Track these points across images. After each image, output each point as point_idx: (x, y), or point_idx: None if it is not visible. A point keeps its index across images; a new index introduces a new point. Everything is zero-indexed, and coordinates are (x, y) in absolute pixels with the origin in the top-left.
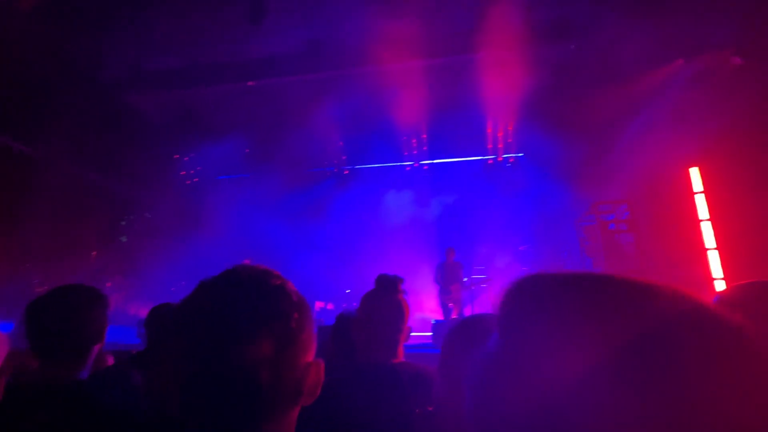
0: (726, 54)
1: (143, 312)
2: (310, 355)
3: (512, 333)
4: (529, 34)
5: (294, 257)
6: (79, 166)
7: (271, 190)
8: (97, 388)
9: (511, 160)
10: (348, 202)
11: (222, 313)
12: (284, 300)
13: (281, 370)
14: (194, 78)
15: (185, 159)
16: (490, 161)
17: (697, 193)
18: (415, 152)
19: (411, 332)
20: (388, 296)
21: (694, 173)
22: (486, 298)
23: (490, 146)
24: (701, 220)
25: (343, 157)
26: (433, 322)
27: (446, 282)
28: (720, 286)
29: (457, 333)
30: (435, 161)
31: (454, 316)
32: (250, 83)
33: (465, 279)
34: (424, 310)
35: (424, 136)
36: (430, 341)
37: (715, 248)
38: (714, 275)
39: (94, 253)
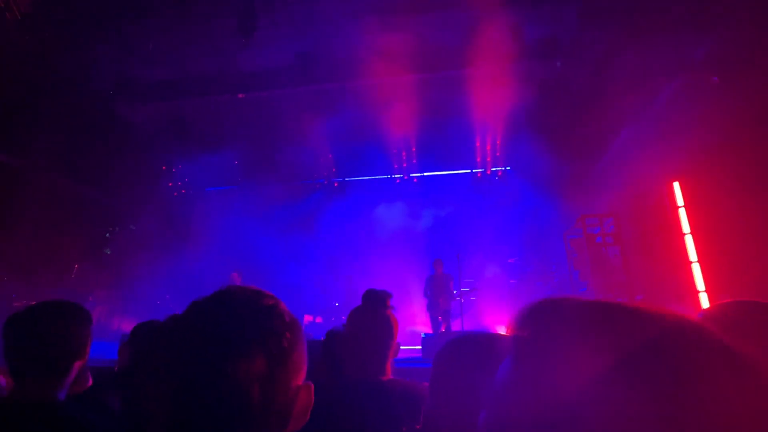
0: (705, 73)
1: (127, 327)
2: (301, 377)
3: (533, 356)
4: (517, 51)
5: (283, 270)
6: (62, 176)
7: (260, 202)
8: (75, 408)
9: (499, 173)
10: (338, 215)
11: (214, 331)
12: (276, 320)
13: (272, 389)
14: (184, 89)
15: (173, 170)
16: (478, 174)
17: (679, 207)
18: (405, 165)
19: (400, 348)
20: (375, 312)
21: (677, 188)
22: (476, 311)
23: (478, 159)
24: (684, 234)
25: (333, 170)
26: (422, 335)
27: (435, 294)
28: (703, 298)
29: (449, 352)
30: (425, 174)
31: (442, 329)
32: (240, 95)
33: (454, 291)
34: (415, 323)
35: (414, 149)
36: (420, 355)
37: (698, 261)
38: (697, 287)
39: (77, 265)
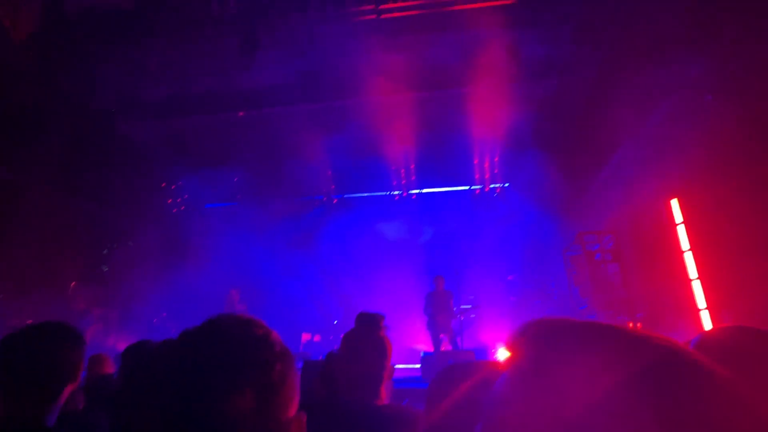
0: (700, 91)
1: (122, 345)
2: (293, 409)
3: (532, 375)
4: (515, 70)
5: (282, 287)
6: (60, 192)
7: (259, 219)
8: None
9: (498, 190)
10: (337, 231)
11: (202, 364)
12: (267, 351)
13: (262, 423)
14: (184, 107)
15: (172, 187)
16: (477, 191)
17: (678, 223)
18: (404, 181)
19: (395, 369)
20: (369, 334)
21: (675, 205)
22: (475, 328)
23: (477, 176)
24: (683, 251)
25: (333, 186)
26: (422, 354)
27: (435, 312)
28: (704, 316)
29: (444, 379)
30: (423, 190)
31: (447, 347)
32: (240, 113)
33: (455, 308)
34: (415, 341)
35: (413, 165)
36: (419, 374)
37: (698, 278)
38: (698, 305)
39: (73, 283)
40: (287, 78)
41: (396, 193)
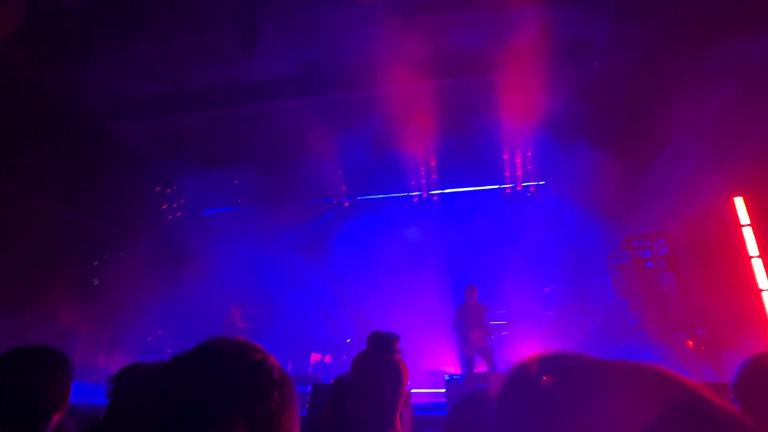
0: (766, 72)
1: (115, 366)
2: None
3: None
4: (549, 52)
5: (288, 302)
6: (47, 200)
7: (263, 226)
8: None
9: (531, 189)
10: (349, 239)
11: (191, 392)
12: (263, 377)
13: None
14: (180, 104)
15: (168, 191)
16: (507, 190)
17: (743, 225)
18: (423, 181)
19: (411, 396)
20: (382, 357)
21: (740, 203)
22: (507, 348)
23: (507, 173)
24: (751, 257)
25: (343, 188)
26: (446, 378)
27: (467, 327)
28: None
29: (466, 407)
30: (446, 191)
31: (483, 370)
32: (241, 109)
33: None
34: (439, 362)
35: (434, 163)
36: (444, 400)
37: None
38: None
39: (62, 298)
40: (292, 69)
41: (415, 194)
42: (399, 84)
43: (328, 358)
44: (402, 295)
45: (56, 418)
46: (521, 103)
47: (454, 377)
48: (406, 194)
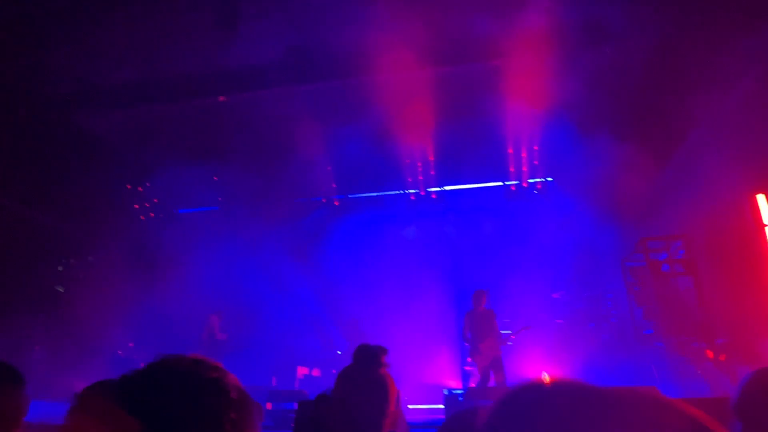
0: None
1: (81, 383)
2: None
3: None
4: (558, 37)
5: (272, 310)
6: (4, 198)
7: (246, 227)
8: None
9: (539, 186)
10: (340, 240)
11: (142, 416)
12: (219, 397)
13: None
14: (154, 93)
15: (140, 189)
16: (513, 187)
17: (767, 225)
18: (421, 178)
19: (400, 415)
20: (367, 372)
21: (762, 201)
22: (513, 360)
23: (512, 169)
24: None
25: (334, 185)
26: (445, 393)
27: (477, 337)
28: None
29: (452, 430)
30: (446, 188)
31: (491, 384)
32: (220, 98)
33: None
34: (438, 376)
35: (432, 158)
36: (443, 417)
37: None
38: None
39: (21, 307)
40: (277, 55)
41: (412, 192)
42: (395, 71)
43: (316, 372)
44: (398, 302)
45: None
46: (528, 92)
47: (454, 392)
48: (402, 192)
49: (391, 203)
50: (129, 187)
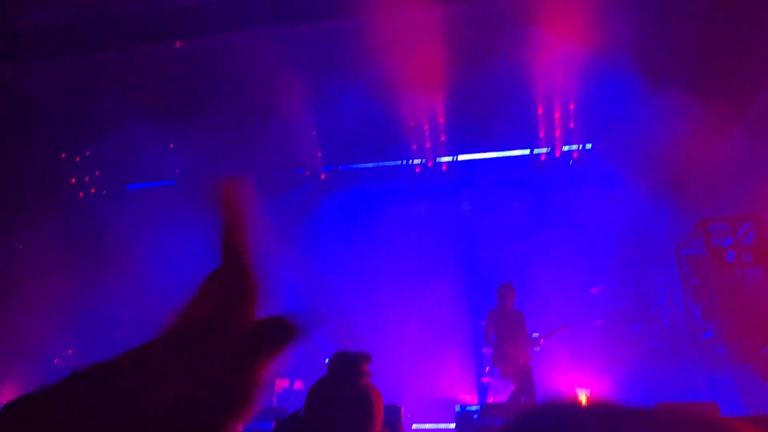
0: None
1: (7, 396)
2: None
3: None
4: None
5: None
6: None
7: (209, 206)
8: None
9: (574, 155)
10: (327, 222)
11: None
12: None
13: None
14: (93, 39)
15: (78, 159)
16: (542, 156)
17: None
18: (428, 145)
19: None
20: (345, 385)
21: None
22: (542, 368)
23: (542, 134)
24: None
25: (319, 154)
26: (457, 409)
27: (503, 338)
28: None
29: None
30: (458, 158)
31: (517, 398)
32: (177, 44)
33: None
34: (449, 389)
35: (442, 120)
36: None
37: None
38: None
39: None
40: None
41: (417, 162)
42: (396, 11)
43: (298, 385)
44: (399, 298)
45: None
46: (562, 35)
47: (468, 409)
48: (404, 162)
49: (390, 177)
50: (63, 156)
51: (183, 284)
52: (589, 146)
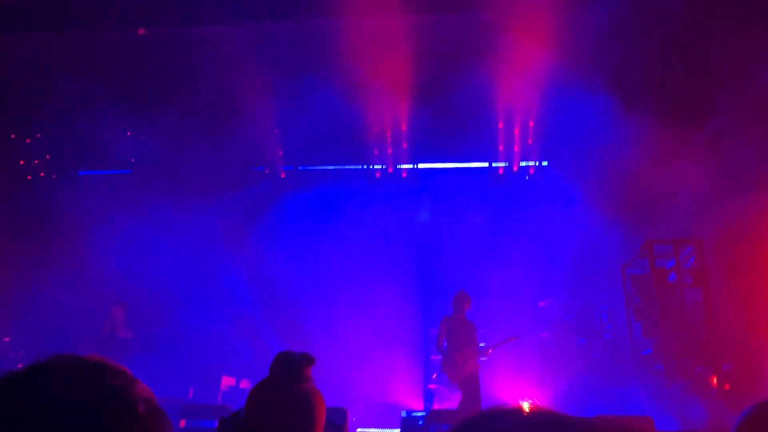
0: None
1: None
2: None
3: None
4: None
5: (193, 305)
6: None
7: (165, 199)
8: None
9: (531, 171)
10: (284, 222)
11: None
12: (121, 412)
13: None
14: (49, 20)
15: (28, 141)
16: (500, 170)
17: None
18: (390, 151)
19: None
20: (286, 388)
21: None
22: (488, 378)
23: (501, 148)
24: None
25: (280, 153)
26: (403, 415)
27: (454, 347)
28: None
29: None
30: (419, 166)
31: (462, 405)
32: (140, 31)
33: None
34: (396, 394)
35: (405, 128)
36: None
37: None
38: None
39: None
40: None
41: (378, 167)
42: (364, 16)
43: (245, 384)
44: (352, 301)
45: None
46: (525, 53)
47: (414, 414)
48: (365, 167)
49: (350, 180)
50: (13, 137)
51: (128, 277)
52: (545, 163)
